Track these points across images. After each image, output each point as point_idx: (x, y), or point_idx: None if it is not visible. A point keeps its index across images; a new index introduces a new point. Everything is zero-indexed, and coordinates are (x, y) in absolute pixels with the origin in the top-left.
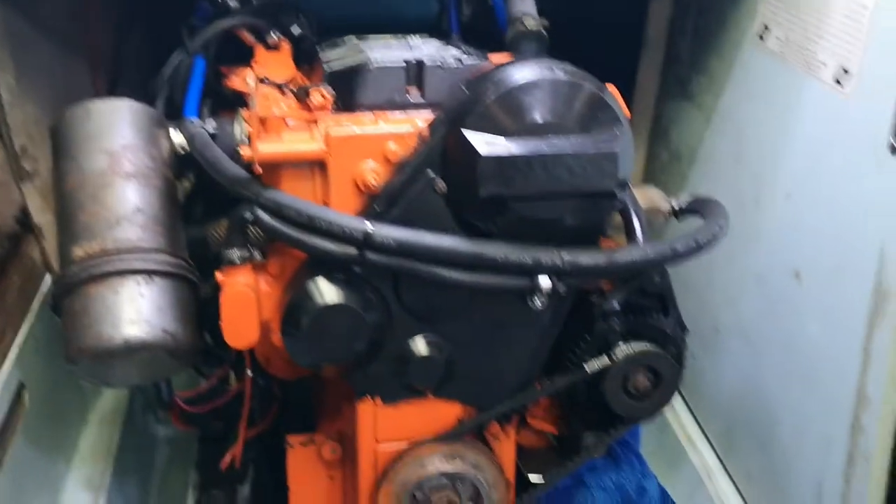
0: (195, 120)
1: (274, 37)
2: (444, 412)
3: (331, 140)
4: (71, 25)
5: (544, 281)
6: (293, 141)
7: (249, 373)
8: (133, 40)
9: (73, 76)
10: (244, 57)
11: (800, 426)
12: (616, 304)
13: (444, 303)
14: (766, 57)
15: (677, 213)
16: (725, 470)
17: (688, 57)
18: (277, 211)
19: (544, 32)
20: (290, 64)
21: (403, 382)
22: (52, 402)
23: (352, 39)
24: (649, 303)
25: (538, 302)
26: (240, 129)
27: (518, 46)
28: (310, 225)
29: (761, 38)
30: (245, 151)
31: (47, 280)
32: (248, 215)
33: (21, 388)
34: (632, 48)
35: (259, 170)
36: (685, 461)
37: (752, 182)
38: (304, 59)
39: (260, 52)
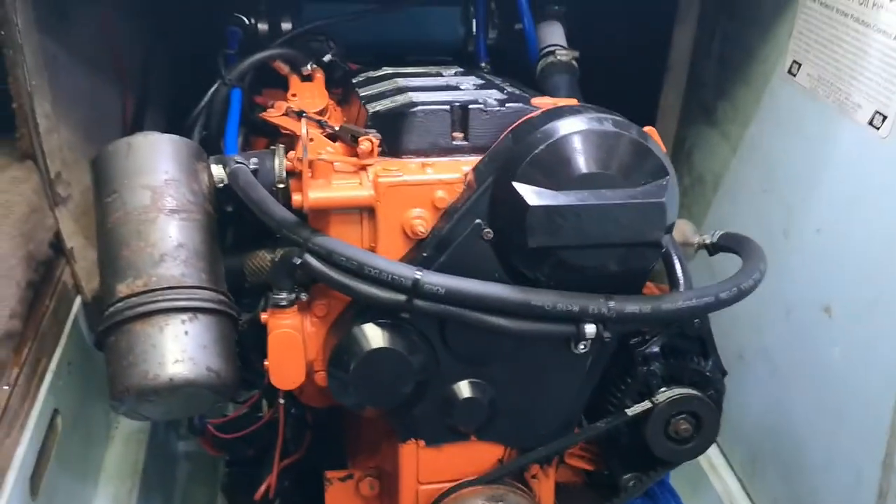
0: (236, 156)
1: (309, 67)
2: (485, 454)
3: (380, 187)
4: (102, 50)
5: (590, 328)
6: (343, 188)
7: (282, 400)
8: (160, 64)
9: (104, 100)
10: (271, 81)
11: (829, 459)
12: (657, 348)
13: (489, 347)
14: (797, 92)
15: (710, 249)
16: (749, 497)
17: (713, 82)
18: (327, 256)
19: (575, 64)
20: (324, 93)
21: (447, 425)
22: (81, 423)
23: (386, 72)
24: (689, 346)
25: (582, 347)
26: (279, 164)
27: (549, 77)
28: (359, 271)
29: (791, 73)
30: (295, 197)
31: (78, 303)
32: (296, 260)
33: (55, 414)
34: (655, 70)
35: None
36: (707, 487)
37: (782, 214)
38: (334, 83)
39: (294, 82)
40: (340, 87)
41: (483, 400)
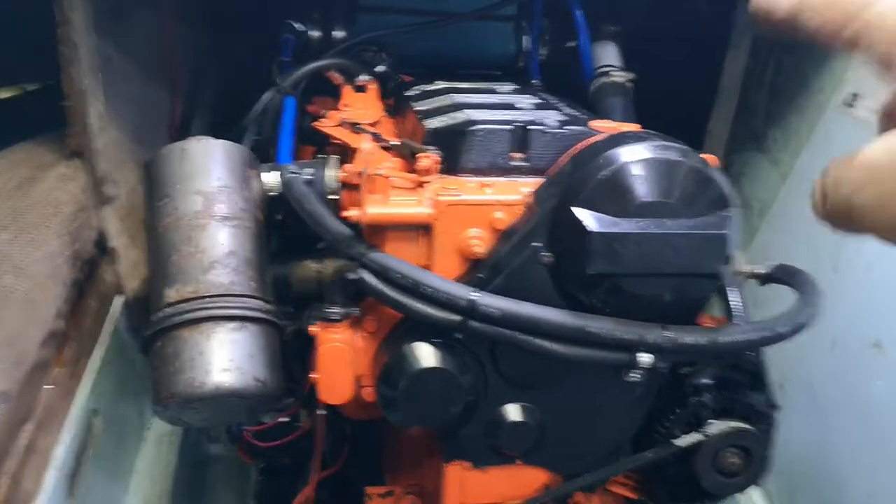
0: (290, 165)
1: (363, 78)
2: (530, 478)
3: (440, 206)
4: (153, 52)
5: (644, 357)
6: (402, 204)
7: (322, 412)
8: (210, 69)
9: (153, 102)
10: (321, 90)
11: (871, 495)
12: (709, 379)
13: (540, 371)
14: (856, 124)
15: (761, 279)
16: None
17: (763, 110)
18: (382, 273)
19: (630, 86)
20: (378, 105)
21: (493, 447)
22: (115, 423)
23: (441, 86)
24: (741, 378)
25: (635, 376)
26: (332, 175)
27: (603, 98)
28: (414, 289)
29: (849, 104)
30: (352, 213)
31: (119, 303)
32: (351, 276)
33: (94, 414)
34: (705, 95)
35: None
36: None
37: (831, 247)
38: (386, 95)
39: (348, 92)
40: (392, 99)
41: (531, 424)
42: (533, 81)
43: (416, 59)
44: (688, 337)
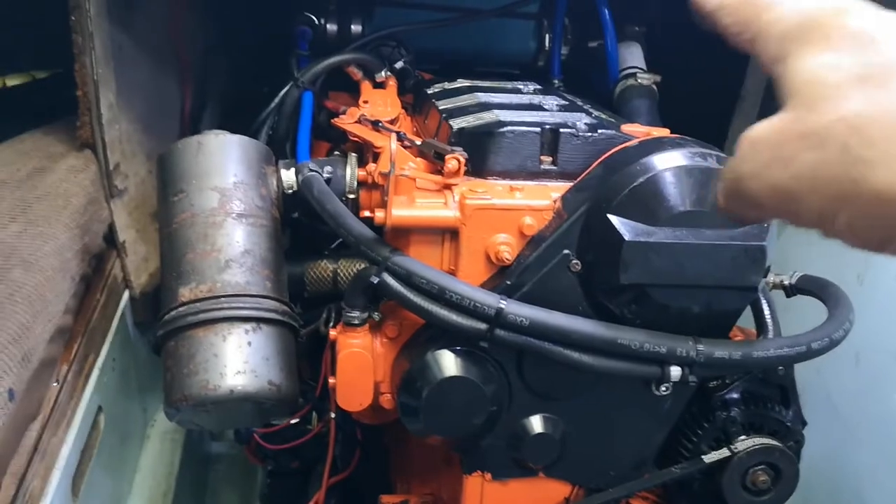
0: (309, 163)
1: (383, 74)
2: (552, 492)
3: (467, 209)
4: (164, 41)
5: (675, 371)
6: (427, 207)
7: (333, 415)
8: (220, 59)
9: (164, 93)
10: (337, 84)
11: None
12: (737, 394)
13: (566, 383)
14: None
15: (788, 290)
16: None
17: None
18: (406, 277)
19: (655, 89)
20: (397, 102)
21: (515, 459)
22: (119, 421)
23: (463, 84)
24: (771, 393)
25: (664, 389)
26: (351, 173)
27: (628, 100)
28: (439, 296)
29: None
30: (378, 214)
31: (125, 298)
32: (373, 279)
33: (99, 412)
34: (726, 99)
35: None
36: None
37: (857, 258)
38: (404, 91)
39: (367, 88)
40: (410, 96)
41: (555, 436)
42: (554, 81)
43: (431, 56)
44: (720, 350)
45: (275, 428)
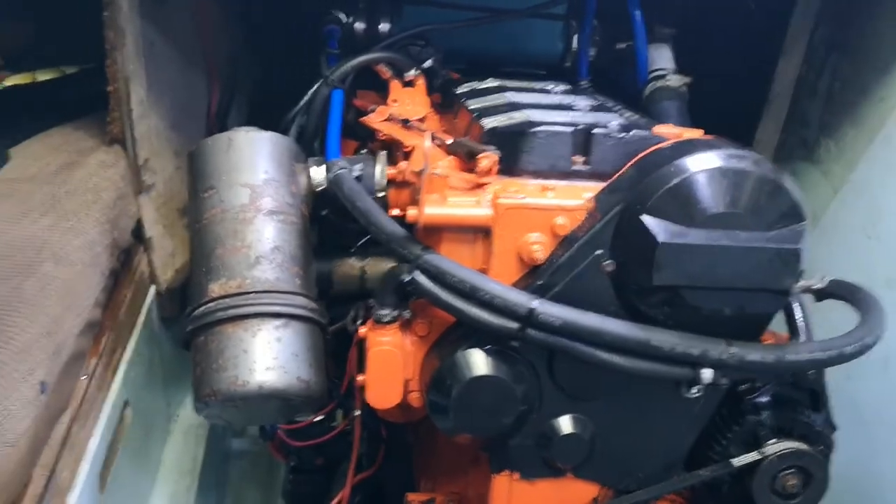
0: (340, 160)
1: (412, 73)
2: (580, 492)
3: (499, 208)
4: (193, 39)
5: (706, 373)
6: (460, 206)
7: (358, 412)
8: (247, 56)
9: (192, 89)
10: (364, 83)
11: None
12: (767, 398)
13: (597, 383)
14: None
15: (818, 294)
16: None
17: (816, 120)
18: (438, 276)
19: (685, 91)
20: (426, 100)
21: (544, 459)
22: (144, 415)
23: (493, 84)
24: (801, 398)
25: (695, 392)
26: (381, 171)
27: (658, 102)
28: (471, 294)
29: None
30: (411, 212)
31: (152, 293)
32: (405, 277)
33: (125, 406)
34: (754, 102)
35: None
36: None
37: (886, 262)
38: (432, 90)
39: (396, 87)
40: (438, 95)
41: (584, 437)
42: (581, 82)
43: (459, 55)
44: (753, 354)
45: (299, 425)
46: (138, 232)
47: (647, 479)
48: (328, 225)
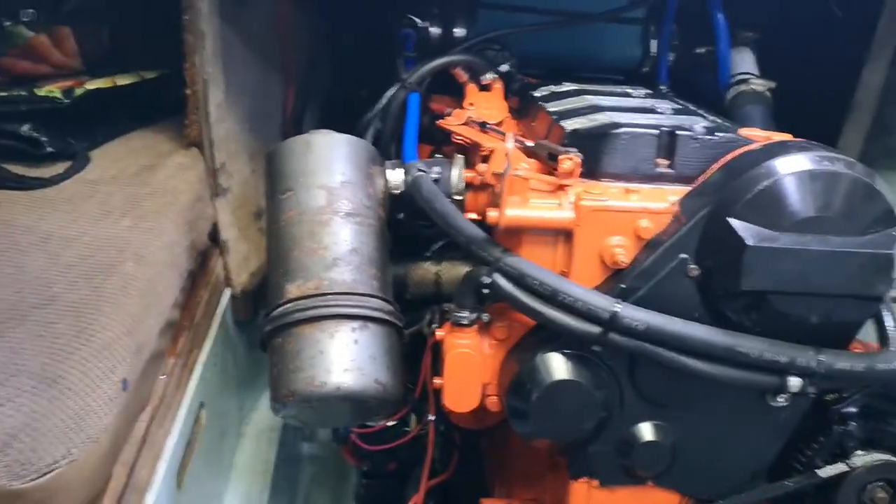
0: (417, 163)
1: (489, 77)
2: (661, 501)
3: (582, 211)
4: (271, 45)
5: (794, 381)
6: (542, 208)
7: (432, 417)
8: (323, 60)
9: (268, 93)
10: (439, 88)
11: None
12: (856, 408)
13: (680, 390)
14: None
15: None
16: None
17: None
18: (519, 279)
19: (769, 95)
20: (503, 104)
21: (624, 466)
22: (219, 417)
23: (572, 87)
24: (890, 408)
25: (781, 400)
26: (458, 174)
27: (741, 106)
28: (552, 298)
29: None
30: (491, 214)
31: (227, 296)
32: (484, 279)
33: (201, 406)
34: (837, 109)
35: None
36: None
37: None
38: (509, 94)
39: (472, 91)
40: (514, 99)
41: (665, 444)
42: (661, 87)
43: (535, 60)
44: (843, 362)
45: (373, 429)
46: (214, 235)
47: (729, 489)
48: (404, 229)
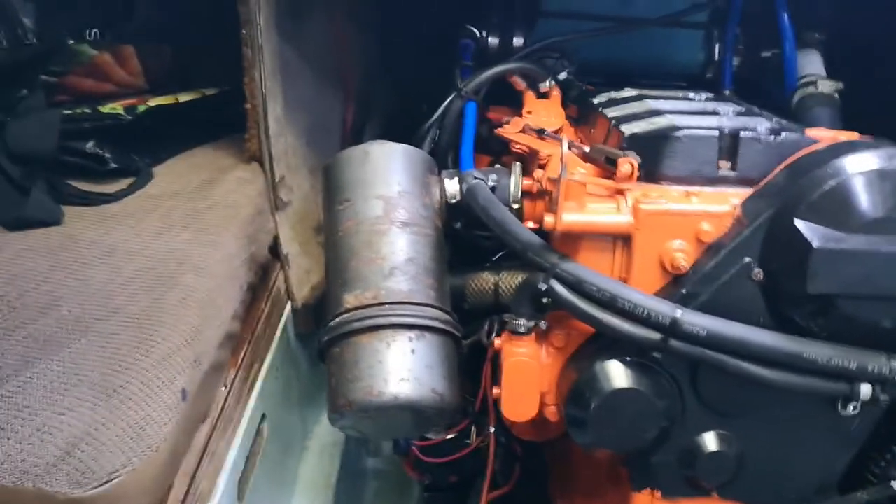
0: (474, 171)
1: (547, 84)
2: None
3: (641, 214)
4: (329, 59)
5: (865, 388)
6: (599, 212)
7: (492, 429)
8: (382, 73)
9: (327, 106)
10: (497, 99)
11: None
12: None
13: (744, 398)
14: None
15: None
16: None
17: None
18: (576, 285)
19: (838, 97)
20: (561, 112)
21: (688, 478)
22: (281, 431)
23: (632, 93)
24: None
25: (851, 409)
26: (515, 182)
27: (808, 109)
28: (611, 304)
29: None
30: (548, 219)
31: (288, 309)
32: (542, 286)
33: (262, 419)
34: None
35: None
36: None
37: None
38: (568, 101)
39: (530, 98)
40: (573, 107)
41: (730, 455)
42: (726, 92)
43: (594, 67)
44: None
45: (433, 441)
46: (275, 248)
47: (798, 501)
48: (462, 239)
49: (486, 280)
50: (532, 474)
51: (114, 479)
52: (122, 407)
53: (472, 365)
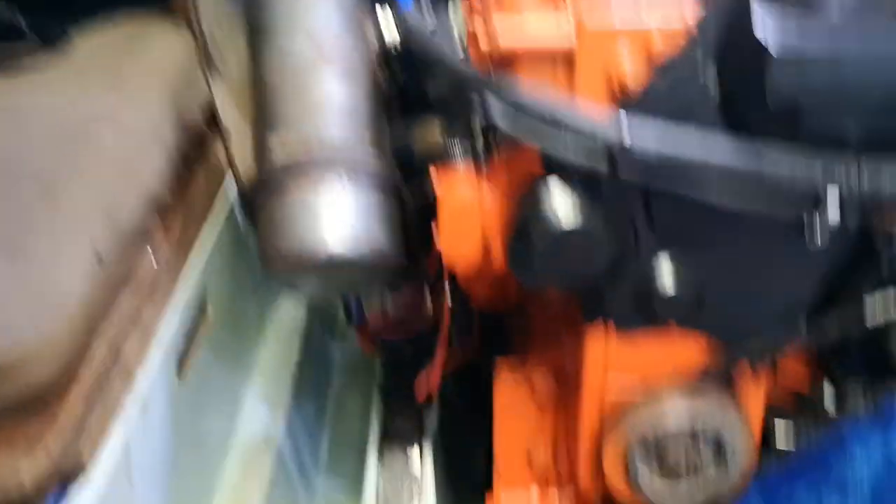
0: (412, 14)
1: None
2: (685, 345)
3: (585, 33)
4: None
5: (832, 212)
6: (538, 30)
7: (449, 301)
8: None
9: None
10: None
11: None
12: None
13: (702, 226)
14: None
15: None
16: None
17: None
18: (517, 108)
19: None
20: None
21: (645, 310)
22: (232, 314)
23: None
24: None
25: (818, 238)
26: (458, 20)
27: None
28: (554, 125)
29: None
30: (481, 43)
31: (230, 185)
32: (481, 113)
33: (205, 298)
34: None
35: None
36: None
37: None
38: None
39: None
40: None
41: (689, 285)
42: None
43: None
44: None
45: (385, 318)
46: (212, 118)
47: (763, 330)
48: (405, 93)
49: (433, 126)
50: (493, 347)
51: (20, 341)
52: (28, 268)
53: (428, 228)
